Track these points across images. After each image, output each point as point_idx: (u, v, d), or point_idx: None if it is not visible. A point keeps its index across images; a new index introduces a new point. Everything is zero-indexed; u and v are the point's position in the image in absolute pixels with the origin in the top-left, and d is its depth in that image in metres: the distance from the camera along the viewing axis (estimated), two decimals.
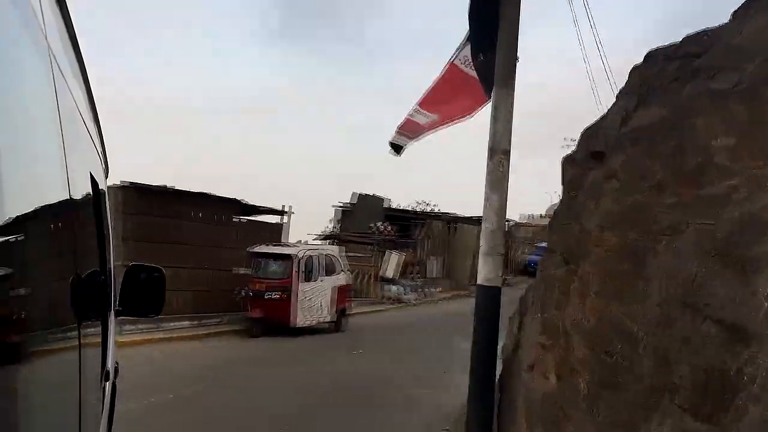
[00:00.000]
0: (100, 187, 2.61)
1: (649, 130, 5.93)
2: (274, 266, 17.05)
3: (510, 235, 40.03)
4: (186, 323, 16.29)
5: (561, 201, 9.67)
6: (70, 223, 1.69)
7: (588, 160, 7.06)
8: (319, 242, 27.17)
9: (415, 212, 33.24)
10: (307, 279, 16.99)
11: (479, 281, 6.79)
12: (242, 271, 17.82)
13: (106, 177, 3.60)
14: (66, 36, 1.99)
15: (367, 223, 29.89)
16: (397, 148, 7.61)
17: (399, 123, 7.59)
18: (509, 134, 6.76)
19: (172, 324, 15.77)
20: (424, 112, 7.41)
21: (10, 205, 1.05)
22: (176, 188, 16.88)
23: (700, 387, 3.50)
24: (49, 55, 1.49)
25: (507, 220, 33.34)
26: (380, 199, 32.21)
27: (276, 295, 16.46)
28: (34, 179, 1.31)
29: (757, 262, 3.25)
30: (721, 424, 3.38)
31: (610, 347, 5.24)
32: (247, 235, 18.90)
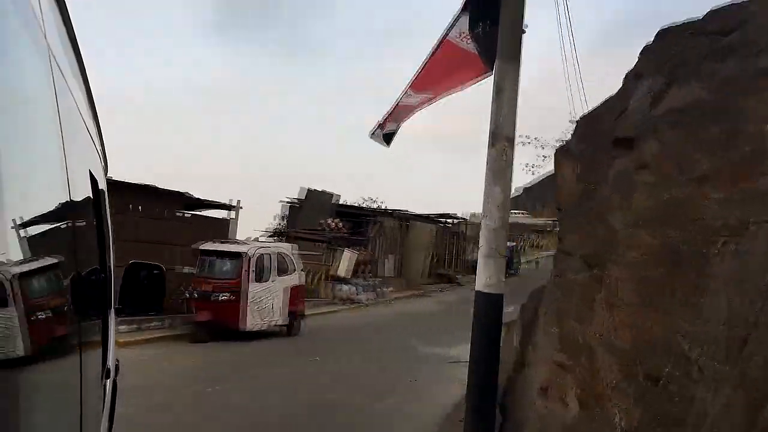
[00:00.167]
0: (99, 186, 2.61)
1: (687, 112, 5.03)
2: (222, 265, 15.78)
3: (461, 233, 39.48)
4: (123, 327, 14.81)
5: (559, 195, 8.76)
6: (70, 221, 1.69)
7: (608, 147, 6.17)
8: (268, 239, 25.87)
9: (367, 209, 32.26)
10: (259, 279, 15.78)
11: (478, 287, 5.83)
12: (187, 270, 16.54)
13: (106, 175, 3.53)
14: (65, 36, 1.98)
15: (316, 220, 28.73)
16: (387, 138, 6.60)
17: (386, 111, 6.60)
18: (514, 117, 5.83)
19: None
20: (414, 93, 6.43)
21: (11, 203, 1.07)
22: (113, 179, 15.42)
23: None
24: (49, 55, 1.50)
25: (459, 219, 32.80)
26: (330, 195, 31.08)
27: (224, 297, 15.17)
28: (35, 178, 1.34)
29: None
30: None
31: (653, 370, 4.35)
32: (193, 230, 17.58)
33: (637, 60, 7.42)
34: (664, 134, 4.95)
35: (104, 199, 3.01)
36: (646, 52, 6.66)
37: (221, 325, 15.08)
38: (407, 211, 31.66)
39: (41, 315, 1.36)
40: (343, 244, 26.05)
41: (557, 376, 5.33)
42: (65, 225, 1.65)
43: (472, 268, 38.16)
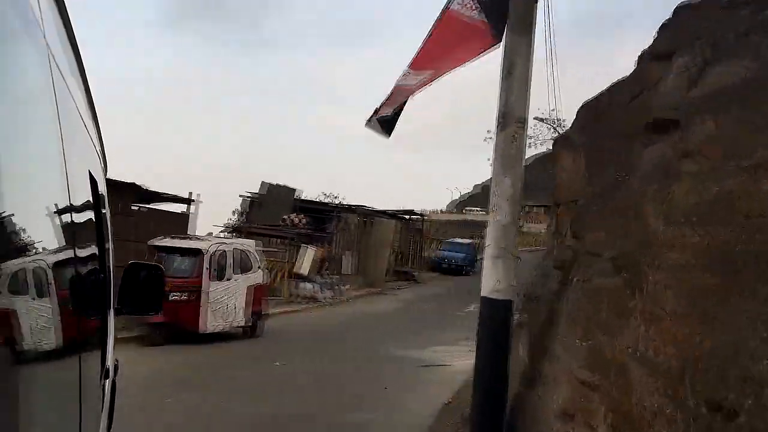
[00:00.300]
0: (99, 186, 2.56)
1: (734, 93, 4.41)
2: (180, 262, 14.79)
3: (420, 229, 38.96)
4: None
5: (558, 189, 8.10)
6: (69, 221, 1.68)
7: (628, 135, 5.53)
8: (228, 235, 24.82)
9: (329, 204, 31.41)
10: (219, 277, 14.84)
11: (484, 292, 5.13)
12: None
13: (105, 176, 3.49)
14: (65, 36, 1.97)
15: (277, 215, 27.79)
16: (385, 125, 5.85)
17: (384, 97, 5.86)
18: (526, 97, 5.16)
19: None
20: (414, 73, 5.69)
21: (10, 204, 1.06)
22: None
23: None
24: (48, 55, 1.48)
25: (418, 215, 32.27)
26: (291, 190, 30.14)
27: (182, 296, 14.17)
28: (34, 178, 1.34)
29: None
30: None
31: (711, 394, 3.69)
32: (148, 225, 16.53)
33: (654, 39, 6.76)
34: (711, 117, 4.32)
35: (104, 200, 2.95)
36: (664, 30, 6.04)
37: (178, 326, 14.11)
38: (369, 206, 30.93)
39: (40, 314, 1.37)
40: (305, 241, 25.16)
41: (582, 396, 4.66)
42: (65, 226, 1.64)
43: (431, 266, 37.76)
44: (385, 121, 5.83)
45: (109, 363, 3.10)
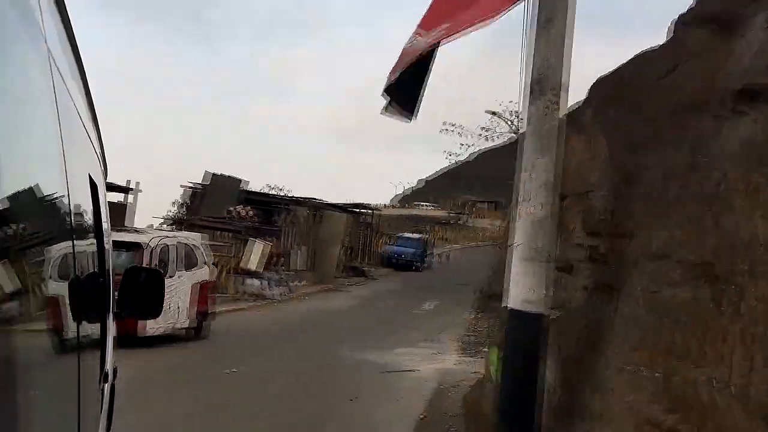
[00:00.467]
0: (99, 189, 2.57)
1: None
2: (116, 257, 13.27)
3: (371, 224, 37.96)
4: None
5: (566, 177, 7.14)
6: (69, 225, 1.70)
7: (672, 112, 4.54)
8: (170, 228, 23.21)
9: (278, 196, 30.02)
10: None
11: (512, 303, 4.07)
12: None
13: (105, 179, 3.47)
14: (65, 38, 1.95)
15: (222, 207, 26.24)
16: (407, 104, 4.75)
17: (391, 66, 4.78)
18: (567, 59, 4.12)
19: None
20: (426, 33, 4.59)
21: (10, 207, 1.07)
22: None
23: None
24: (49, 57, 1.49)
25: (370, 209, 31.20)
26: (237, 181, 28.56)
27: None
28: (34, 181, 1.33)
29: None
30: None
31: None
32: None
33: (692, 4, 5.85)
34: None
35: (104, 204, 2.93)
36: None
37: (117, 329, 12.61)
38: (320, 199, 29.68)
39: (40, 318, 1.37)
40: (253, 234, 23.75)
41: None
42: (65, 229, 1.64)
43: (382, 261, 36.78)
44: (400, 95, 4.73)
45: (109, 366, 3.05)
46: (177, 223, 25.25)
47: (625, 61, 5.96)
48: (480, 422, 6.69)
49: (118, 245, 13.41)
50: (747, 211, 3.40)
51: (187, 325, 14.14)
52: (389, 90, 4.79)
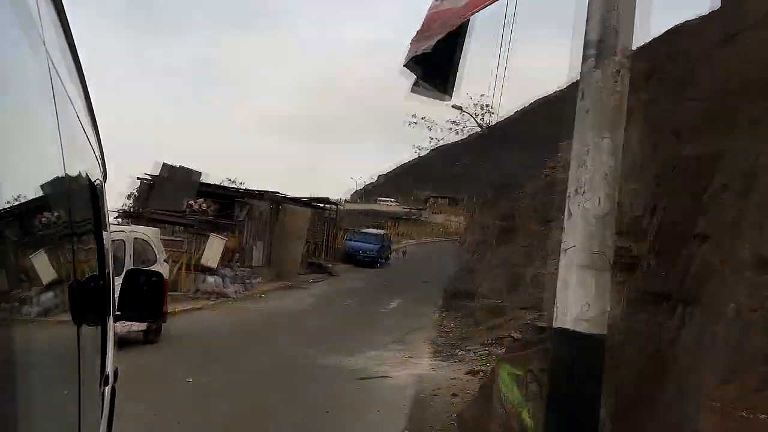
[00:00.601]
0: (98, 192, 2.60)
1: None
2: None
3: (334, 219, 37.01)
4: None
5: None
6: (68, 227, 1.69)
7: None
8: (122, 222, 21.87)
9: (235, 189, 28.82)
10: (115, 273, 12.28)
11: (561, 322, 3.29)
12: None
13: (105, 182, 3.32)
14: (64, 41, 1.96)
15: (178, 200, 24.97)
16: (428, 69, 3.90)
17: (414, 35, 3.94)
18: (632, 20, 3.34)
19: None
20: None
21: (10, 210, 1.07)
22: None
23: None
24: (48, 60, 1.49)
25: (332, 203, 30.21)
26: (194, 172, 27.29)
27: None
28: (34, 183, 1.33)
29: None
30: None
31: None
32: None
33: None
34: None
35: (104, 207, 2.89)
36: None
37: None
38: (281, 193, 28.58)
39: (40, 321, 1.37)
40: (210, 229, 22.58)
41: None
42: (64, 231, 1.64)
43: (343, 258, 35.90)
44: (433, 67, 3.89)
45: (109, 370, 2.96)
46: (129, 216, 23.90)
47: (667, 29, 5.24)
48: None
49: None
50: None
51: (143, 328, 13.03)
52: (418, 61, 3.93)
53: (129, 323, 12.36)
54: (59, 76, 1.65)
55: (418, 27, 4.01)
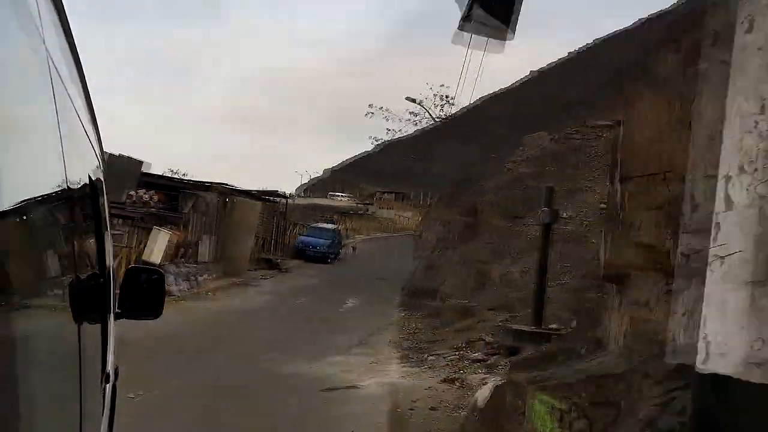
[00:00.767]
0: (98, 189, 2.62)
1: None
2: None
3: (284, 213, 35.67)
4: None
5: (625, 152, 5.42)
6: (69, 225, 1.70)
7: None
8: None
9: (182, 180, 27.17)
10: None
11: (713, 364, 2.19)
12: None
13: (105, 179, 3.30)
14: (64, 39, 1.97)
15: (120, 191, 23.25)
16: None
17: None
18: None
19: None
20: None
21: (10, 207, 1.08)
22: None
23: None
24: (48, 58, 1.49)
25: (283, 197, 28.89)
26: (137, 162, 25.54)
27: None
28: (34, 181, 1.33)
29: None
30: None
31: None
32: None
33: None
34: None
35: (103, 204, 2.94)
36: None
37: None
38: (231, 185, 27.08)
39: (40, 318, 1.37)
40: (155, 222, 21.01)
41: None
42: (64, 229, 1.65)
43: (294, 253, 34.57)
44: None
45: (110, 367, 2.99)
46: None
47: None
48: None
49: None
50: None
51: None
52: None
53: None
54: (59, 74, 1.64)
55: None
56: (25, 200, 1.20)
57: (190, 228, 23.36)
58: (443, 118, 55.53)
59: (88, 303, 2.06)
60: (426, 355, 13.53)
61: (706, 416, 2.31)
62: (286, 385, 10.53)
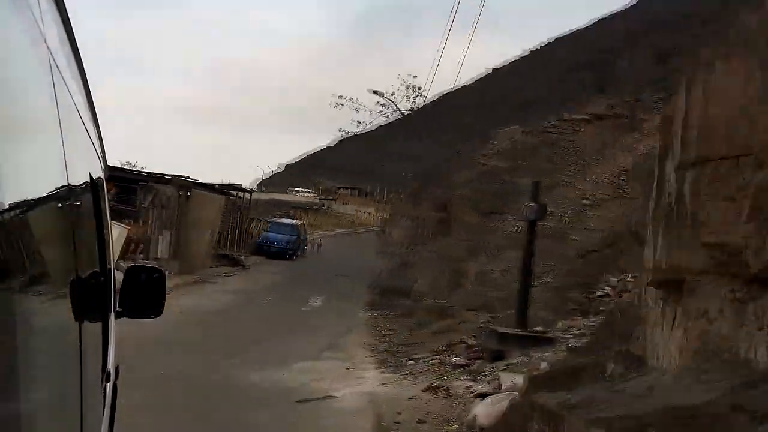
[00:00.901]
0: (99, 188, 2.62)
1: None
2: None
3: (248, 208, 34.44)
4: None
5: (685, 131, 4.33)
6: (70, 224, 1.70)
7: None
8: None
9: (139, 172, 25.78)
10: None
11: None
12: None
13: (106, 178, 3.42)
14: (65, 38, 1.95)
15: None
16: None
17: None
18: None
19: None
20: None
21: (11, 206, 1.06)
22: None
23: None
24: (49, 57, 1.48)
25: (245, 191, 27.71)
26: None
27: None
28: (35, 180, 1.33)
29: None
30: None
31: None
32: None
33: None
34: None
35: (104, 202, 2.95)
36: None
37: None
38: (190, 178, 25.80)
39: (41, 317, 1.36)
40: (110, 216, 19.66)
41: None
42: (65, 228, 1.64)
43: (254, 249, 33.36)
44: None
45: (111, 366, 2.99)
46: None
47: None
48: None
49: None
50: None
51: None
52: None
53: None
54: (60, 72, 1.64)
55: None
56: (26, 199, 1.20)
57: (148, 223, 22.07)
58: (407, 111, 54.68)
59: (89, 302, 2.06)
60: (404, 360, 12.67)
61: None
62: (255, 395, 9.55)
